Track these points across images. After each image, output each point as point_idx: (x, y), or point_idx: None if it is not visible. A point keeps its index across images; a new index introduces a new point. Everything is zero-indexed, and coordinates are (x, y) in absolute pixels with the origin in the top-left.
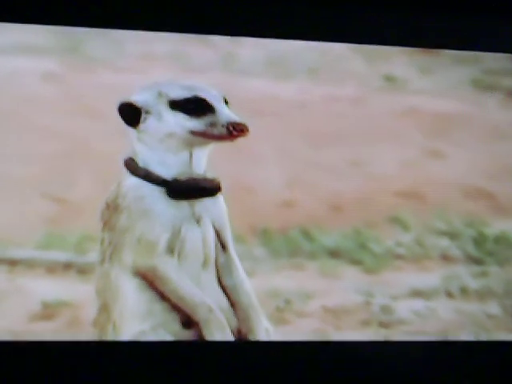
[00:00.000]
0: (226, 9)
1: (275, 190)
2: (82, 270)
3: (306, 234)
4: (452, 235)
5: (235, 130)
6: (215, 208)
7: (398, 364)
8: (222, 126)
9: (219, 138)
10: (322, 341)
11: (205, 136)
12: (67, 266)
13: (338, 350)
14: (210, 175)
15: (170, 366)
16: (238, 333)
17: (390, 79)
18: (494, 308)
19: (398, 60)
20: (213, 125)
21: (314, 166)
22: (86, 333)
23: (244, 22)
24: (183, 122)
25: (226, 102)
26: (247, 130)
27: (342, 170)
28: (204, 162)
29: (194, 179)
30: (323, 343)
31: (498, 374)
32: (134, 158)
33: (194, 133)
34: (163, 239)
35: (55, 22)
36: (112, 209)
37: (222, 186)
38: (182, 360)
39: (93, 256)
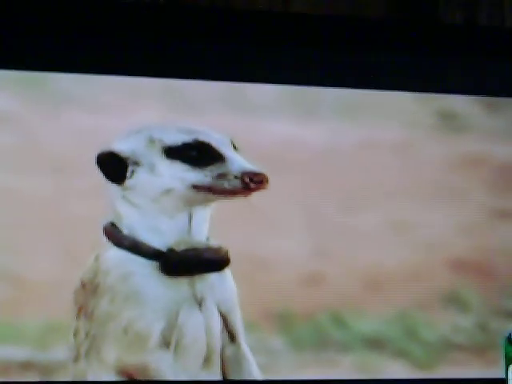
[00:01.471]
0: (233, 53)
1: (298, 262)
2: (46, 371)
3: (338, 319)
4: None
5: (252, 182)
6: (222, 286)
7: None
8: (235, 177)
9: (231, 193)
10: None
11: (212, 191)
12: (25, 366)
13: None
14: (214, 244)
15: None
16: None
17: (445, 117)
18: None
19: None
20: (222, 176)
21: (348, 232)
22: None
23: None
24: (183, 175)
25: (235, 148)
26: (267, 182)
27: (383, 236)
28: (206, 226)
29: (195, 249)
30: None
31: None
32: (116, 223)
33: (197, 187)
34: (156, 329)
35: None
36: (89, 290)
37: (230, 257)
38: None
39: (61, 352)
